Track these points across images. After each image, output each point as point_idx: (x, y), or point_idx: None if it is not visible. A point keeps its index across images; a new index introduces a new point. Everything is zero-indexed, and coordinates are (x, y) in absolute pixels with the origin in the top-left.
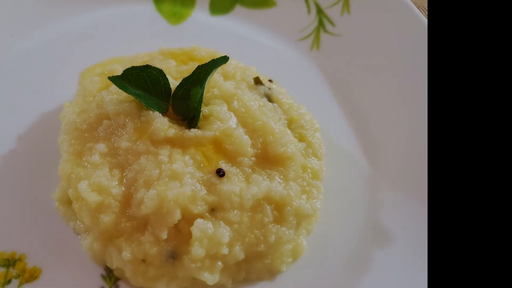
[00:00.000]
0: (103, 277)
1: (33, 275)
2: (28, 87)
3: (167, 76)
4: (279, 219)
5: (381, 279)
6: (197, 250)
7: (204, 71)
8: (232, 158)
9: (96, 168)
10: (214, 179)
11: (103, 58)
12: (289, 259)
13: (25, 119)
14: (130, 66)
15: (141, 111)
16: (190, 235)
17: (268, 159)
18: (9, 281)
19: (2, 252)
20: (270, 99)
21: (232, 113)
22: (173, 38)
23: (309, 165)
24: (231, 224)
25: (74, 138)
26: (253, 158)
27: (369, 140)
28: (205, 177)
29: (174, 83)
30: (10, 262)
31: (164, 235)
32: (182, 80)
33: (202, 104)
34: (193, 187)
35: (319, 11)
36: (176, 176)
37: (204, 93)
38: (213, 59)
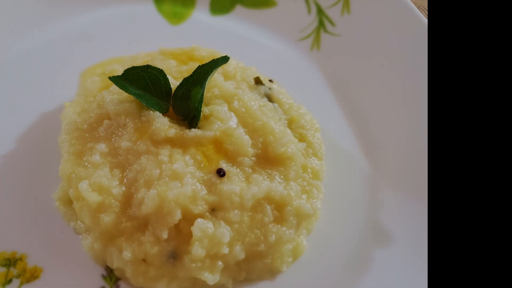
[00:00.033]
0: (104, 277)
1: (34, 275)
2: (28, 87)
3: (168, 76)
4: (280, 219)
5: (381, 278)
6: (197, 250)
7: (204, 71)
8: (232, 158)
9: (96, 168)
10: (215, 179)
11: (104, 58)
12: (290, 259)
13: (25, 119)
14: (130, 66)
15: (142, 111)
16: (190, 235)
17: (268, 159)
18: (10, 281)
19: (3, 251)
20: (270, 99)
21: (232, 113)
22: (174, 38)
23: (309, 165)
24: (231, 224)
25: (74, 138)
26: (254, 158)
27: (369, 140)
28: (206, 177)
29: (174, 83)
30: (11, 261)
31: (165, 235)
32: (183, 80)
33: (203, 104)
34: (194, 187)
35: (319, 11)
36: (176, 176)
37: (205, 93)
38: (214, 59)
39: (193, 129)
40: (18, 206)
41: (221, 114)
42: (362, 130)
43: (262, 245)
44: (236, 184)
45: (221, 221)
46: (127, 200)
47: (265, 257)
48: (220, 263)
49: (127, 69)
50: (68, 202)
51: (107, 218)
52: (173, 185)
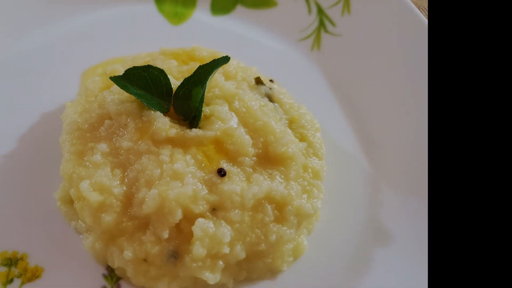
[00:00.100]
0: (105, 276)
1: (35, 275)
2: (29, 87)
3: (169, 76)
4: (280, 219)
5: (381, 278)
6: (198, 250)
7: (205, 71)
8: (233, 157)
9: (97, 167)
10: (215, 178)
11: (105, 58)
12: (290, 259)
13: (26, 119)
14: (131, 66)
15: (143, 111)
16: (191, 234)
17: (269, 159)
18: (11, 280)
19: (4, 251)
20: (271, 99)
21: (233, 113)
22: (174, 38)
23: (310, 165)
24: (232, 223)
25: (75, 138)
26: (254, 158)
27: (370, 140)
28: (206, 177)
29: (175, 83)
30: (12, 261)
31: (166, 235)
32: (184, 80)
33: (203, 104)
34: (194, 187)
35: (320, 11)
36: (177, 176)
37: (205, 93)
38: (214, 59)
39: (194, 129)
40: (19, 205)
41: (221, 114)
42: (362, 130)
43: (263, 244)
44: (236, 184)
45: (222, 221)
46: (128, 200)
47: (265, 257)
48: (220, 262)
49: (128, 69)
50: (69, 201)
51: (108, 218)
52: (174, 184)
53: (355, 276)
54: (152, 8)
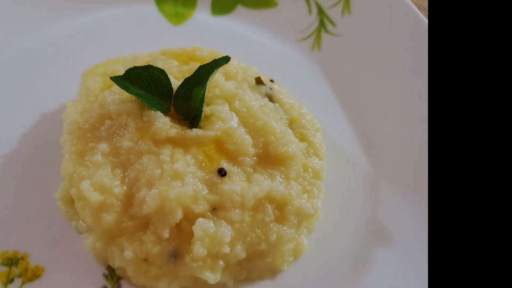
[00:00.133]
0: (105, 276)
1: (36, 274)
2: (30, 87)
3: (169, 76)
4: (280, 218)
5: (381, 277)
6: (198, 249)
7: (205, 71)
8: (233, 157)
9: (98, 167)
10: (216, 178)
11: (105, 58)
12: (290, 258)
13: (27, 119)
14: (132, 66)
15: (143, 111)
16: (191, 234)
17: (269, 159)
18: (11, 280)
19: (5, 251)
20: (271, 99)
21: (233, 113)
22: (175, 38)
23: (310, 165)
24: (232, 223)
25: (76, 138)
26: (255, 158)
27: (370, 139)
28: (207, 177)
29: (176, 83)
30: (13, 261)
31: (166, 234)
32: (184, 80)
33: (204, 104)
34: (195, 187)
35: (320, 11)
36: (177, 176)
37: (206, 93)
38: (215, 59)
39: (194, 129)
40: (20, 205)
41: (222, 114)
42: (362, 130)
43: (263, 244)
44: (237, 184)
45: (222, 221)
46: (129, 200)
47: (266, 257)
48: (221, 262)
49: (128, 69)
50: (70, 201)
51: (108, 218)
52: (174, 184)
53: (355, 276)
54: (153, 8)
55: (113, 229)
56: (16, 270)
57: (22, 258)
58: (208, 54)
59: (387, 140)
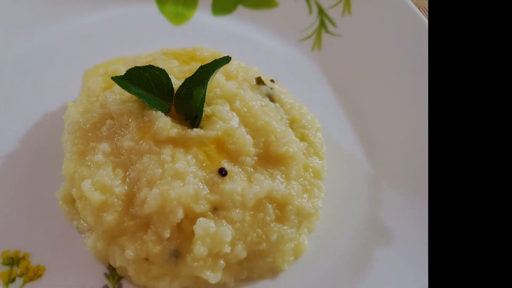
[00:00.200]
0: (106, 275)
1: (37, 274)
2: (31, 87)
3: (170, 76)
4: (281, 218)
5: (382, 277)
6: (199, 249)
7: (206, 71)
8: (234, 157)
9: (99, 167)
10: (217, 178)
11: (106, 58)
12: (291, 258)
13: (28, 118)
14: (133, 66)
15: (144, 111)
16: (192, 234)
17: (270, 159)
18: (13, 280)
19: (6, 250)
20: (272, 99)
21: (234, 113)
22: (176, 38)
23: (311, 165)
24: (233, 223)
25: (77, 138)
26: (255, 158)
27: (370, 139)
28: (208, 177)
29: (176, 83)
30: (14, 260)
31: (167, 234)
32: (185, 80)
33: (205, 104)
34: (196, 186)
35: (321, 11)
36: (178, 176)
37: (207, 93)
38: (216, 59)
39: (195, 129)
40: (21, 205)
41: (223, 114)
42: (363, 130)
43: (264, 244)
44: (237, 184)
45: (223, 220)
46: (130, 199)
47: (266, 256)
48: (222, 262)
49: (129, 69)
50: (71, 201)
51: (109, 217)
52: (175, 184)
53: (355, 275)
54: (154, 8)
55: (114, 229)
56: (17, 270)
57: (23, 258)
58: (209, 54)
59: (387, 140)
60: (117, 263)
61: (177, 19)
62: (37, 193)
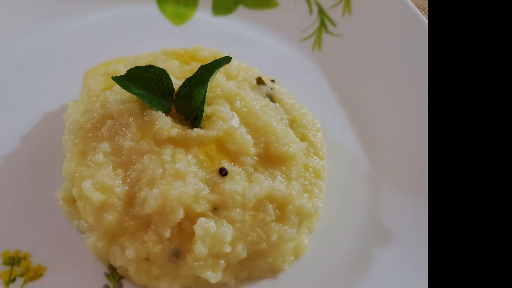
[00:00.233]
0: (107, 275)
1: (38, 273)
2: (32, 87)
3: (170, 76)
4: (281, 218)
5: (382, 277)
6: (200, 249)
7: (207, 71)
8: (234, 157)
9: (100, 167)
10: (217, 178)
11: (107, 58)
12: (291, 258)
13: (29, 118)
14: (133, 66)
15: (145, 111)
16: (193, 233)
17: (270, 159)
18: (13, 279)
19: (7, 250)
20: (272, 99)
21: (234, 113)
22: (176, 38)
23: (311, 164)
24: (233, 222)
25: (78, 138)
26: (256, 158)
27: (370, 139)
28: (208, 176)
29: (177, 83)
30: (15, 260)
31: (167, 234)
32: (185, 80)
33: (205, 104)
34: (196, 186)
35: (321, 11)
36: (179, 175)
37: (207, 93)
38: (216, 59)
39: (195, 129)
40: (22, 205)
41: (223, 114)
42: (363, 130)
43: (264, 243)
44: (238, 183)
45: (223, 220)
46: (130, 199)
47: (267, 256)
48: (222, 261)
49: (130, 69)
50: (72, 201)
51: (110, 217)
52: (175, 184)
53: (356, 275)
54: (154, 8)
55: (115, 229)
56: (18, 270)
57: (24, 258)
58: (209, 54)
59: (387, 140)
60: (117, 263)
61: (178, 19)
62: (38, 193)
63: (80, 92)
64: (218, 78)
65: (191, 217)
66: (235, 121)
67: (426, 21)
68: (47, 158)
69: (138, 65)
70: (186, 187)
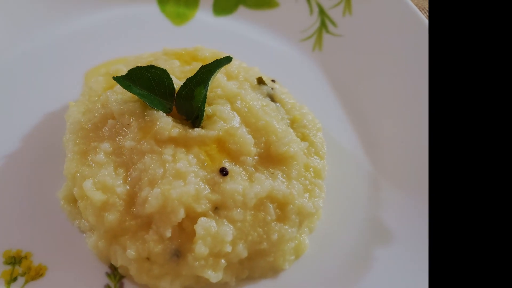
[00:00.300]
0: (108, 275)
1: (39, 273)
2: (33, 86)
3: (171, 76)
4: (282, 218)
5: (382, 276)
6: (200, 248)
7: (207, 71)
8: (235, 157)
9: (101, 167)
10: (218, 178)
11: (108, 58)
12: (292, 257)
13: (30, 118)
14: (134, 66)
15: (146, 110)
16: (193, 233)
17: (271, 158)
18: (15, 279)
19: (8, 250)
20: (272, 99)
21: (235, 113)
22: (177, 38)
23: (312, 164)
24: (234, 222)
25: (79, 138)
26: (256, 157)
27: (371, 139)
28: (209, 176)
29: (178, 83)
30: (16, 260)
31: (168, 234)
32: (186, 80)
33: (206, 104)
34: (197, 186)
35: (321, 11)
36: (180, 175)
37: (208, 93)
38: (217, 59)
39: (196, 129)
40: (23, 204)
41: (224, 114)
42: (363, 130)
43: (265, 243)
44: (239, 183)
45: (224, 220)
46: (131, 199)
47: (267, 255)
48: (223, 261)
49: (131, 69)
50: (73, 201)
51: (111, 217)
52: (176, 184)
53: (356, 275)
54: (155, 8)
55: (116, 228)
56: (19, 269)
57: (25, 257)
58: (210, 54)
59: (388, 140)
60: (118, 262)
61: (179, 19)
62: (39, 193)
63: (81, 92)
64: (219, 78)
65: (192, 217)
66: (236, 121)
67: (426, 21)
68: (48, 158)
69: (139, 65)
70: (187, 186)
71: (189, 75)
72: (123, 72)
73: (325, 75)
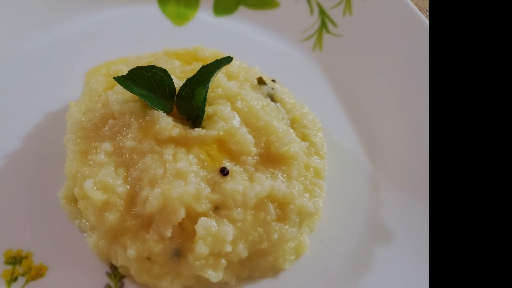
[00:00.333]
0: (108, 274)
1: (39, 273)
2: (34, 86)
3: (172, 76)
4: (282, 217)
5: (383, 276)
6: (201, 248)
7: (208, 71)
8: (235, 157)
9: (101, 167)
10: (218, 178)
11: (109, 58)
12: (292, 257)
13: (31, 118)
14: (135, 66)
15: (146, 110)
16: (194, 233)
17: (271, 158)
18: (15, 279)
19: (9, 250)
20: (273, 99)
21: (235, 113)
22: (178, 38)
23: (312, 164)
24: (234, 222)
25: (79, 137)
26: (257, 157)
27: (371, 139)
28: (209, 176)
29: (178, 83)
30: (17, 259)
31: (169, 233)
32: (187, 80)
33: (206, 104)
34: (197, 186)
35: (322, 12)
36: (180, 175)
37: (208, 93)
38: (217, 60)
39: (196, 129)
40: (24, 204)
41: (224, 114)
42: (363, 130)
43: (265, 243)
44: (239, 183)
45: (225, 220)
46: (132, 199)
47: (268, 255)
48: (223, 261)
49: (131, 69)
50: (73, 200)
51: (111, 217)
52: (177, 184)
53: (356, 274)
54: (156, 9)
55: (116, 228)
56: (20, 269)
57: (26, 257)
58: (210, 54)
59: (388, 140)
60: (119, 262)
61: (179, 19)
62: (40, 193)
63: (82, 92)
64: (219, 78)
65: (192, 217)
66: (236, 121)
67: (426, 21)
68: (48, 158)
69: (140, 65)
70: (187, 186)
71: (190, 75)
72: (124, 72)
73: (325, 75)
